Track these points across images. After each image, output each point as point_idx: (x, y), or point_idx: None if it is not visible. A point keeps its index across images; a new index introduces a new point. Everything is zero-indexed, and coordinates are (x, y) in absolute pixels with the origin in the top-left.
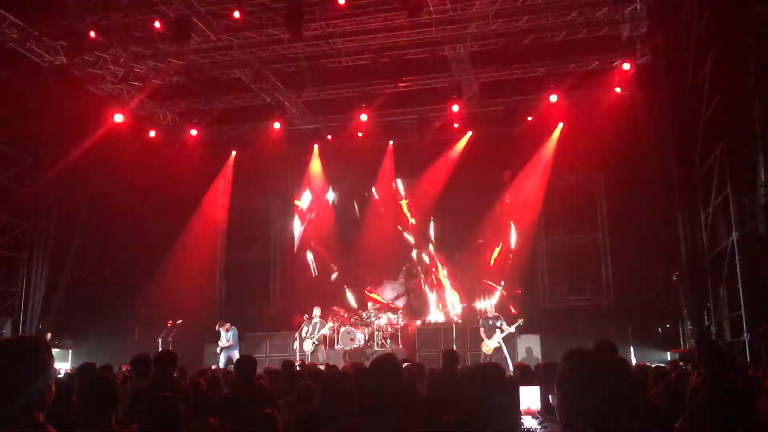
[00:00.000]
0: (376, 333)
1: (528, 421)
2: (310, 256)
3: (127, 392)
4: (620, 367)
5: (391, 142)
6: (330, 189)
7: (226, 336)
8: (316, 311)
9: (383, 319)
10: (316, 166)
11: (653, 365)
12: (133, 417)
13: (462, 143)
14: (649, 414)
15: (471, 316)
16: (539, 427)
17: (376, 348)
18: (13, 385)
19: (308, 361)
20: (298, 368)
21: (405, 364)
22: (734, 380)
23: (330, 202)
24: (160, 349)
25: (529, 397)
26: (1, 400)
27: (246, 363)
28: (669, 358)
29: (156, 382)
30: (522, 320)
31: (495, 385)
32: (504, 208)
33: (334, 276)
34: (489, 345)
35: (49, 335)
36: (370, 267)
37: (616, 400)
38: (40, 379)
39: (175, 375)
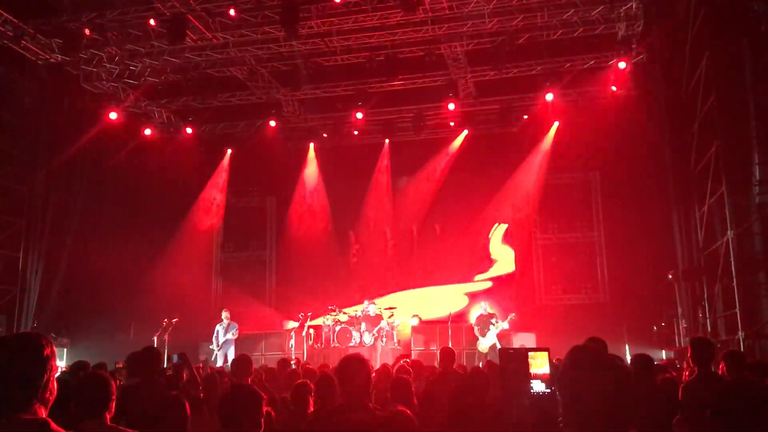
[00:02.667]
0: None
1: (537, 385)
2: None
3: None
4: (618, 366)
5: (387, 141)
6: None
7: (228, 330)
8: (372, 307)
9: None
10: (311, 164)
11: None
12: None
13: (458, 141)
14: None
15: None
16: (548, 390)
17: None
18: (15, 380)
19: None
20: (293, 367)
21: (402, 362)
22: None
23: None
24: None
25: (539, 362)
26: (4, 395)
27: (241, 362)
28: (664, 356)
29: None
30: (514, 314)
31: None
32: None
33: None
34: (484, 343)
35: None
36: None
37: (614, 399)
38: (42, 375)
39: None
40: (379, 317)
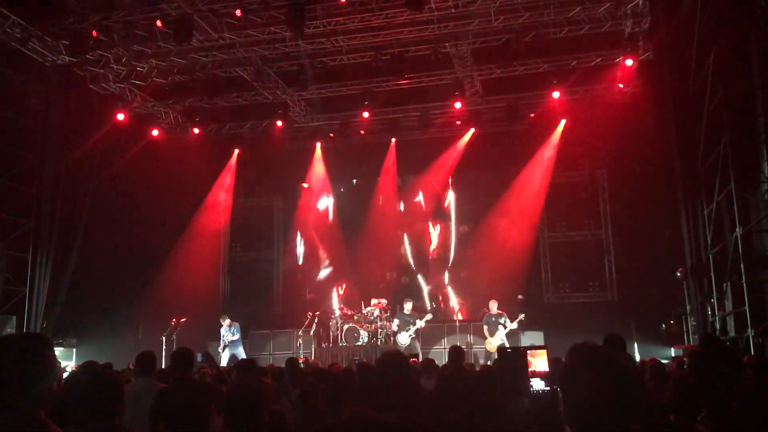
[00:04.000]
0: (379, 330)
1: (536, 384)
2: (300, 244)
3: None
4: (622, 363)
5: (393, 140)
6: (332, 195)
7: (230, 331)
8: (408, 305)
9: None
10: (318, 164)
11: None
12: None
13: (465, 140)
14: (650, 411)
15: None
16: (547, 389)
17: (379, 345)
18: (15, 381)
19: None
20: (302, 366)
21: (410, 360)
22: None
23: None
24: (163, 347)
25: (537, 360)
26: (4, 396)
27: (246, 364)
28: (673, 354)
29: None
30: (523, 315)
31: None
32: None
33: (326, 273)
34: (493, 343)
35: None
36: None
37: (615, 396)
38: (42, 376)
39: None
40: (412, 316)
